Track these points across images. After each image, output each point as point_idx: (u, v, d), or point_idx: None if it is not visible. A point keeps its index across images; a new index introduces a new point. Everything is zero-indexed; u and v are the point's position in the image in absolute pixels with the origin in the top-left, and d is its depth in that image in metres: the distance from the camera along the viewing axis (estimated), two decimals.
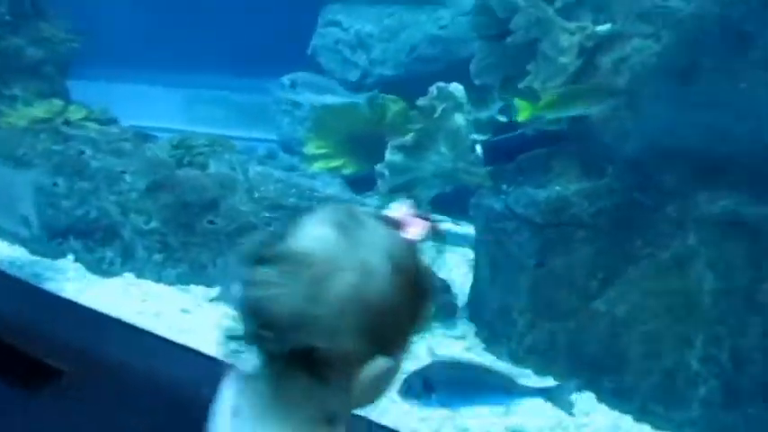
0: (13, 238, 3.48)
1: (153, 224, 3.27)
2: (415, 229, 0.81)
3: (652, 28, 2.58)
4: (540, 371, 2.74)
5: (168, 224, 3.28)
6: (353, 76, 4.67)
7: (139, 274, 3.33)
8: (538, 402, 2.18)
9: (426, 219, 0.84)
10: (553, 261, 2.74)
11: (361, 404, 0.85)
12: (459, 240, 3.79)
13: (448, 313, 3.15)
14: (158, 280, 3.30)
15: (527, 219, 2.78)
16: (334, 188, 3.82)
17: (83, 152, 3.32)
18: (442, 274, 3.39)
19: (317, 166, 4.32)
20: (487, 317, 2.99)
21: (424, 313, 0.82)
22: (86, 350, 1.66)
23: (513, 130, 3.37)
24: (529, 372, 2.73)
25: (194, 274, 3.29)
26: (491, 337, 2.95)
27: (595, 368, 2.63)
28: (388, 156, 3.02)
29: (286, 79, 3.43)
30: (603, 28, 2.73)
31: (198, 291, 3.28)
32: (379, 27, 4.62)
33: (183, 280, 3.30)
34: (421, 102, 3.07)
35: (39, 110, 3.60)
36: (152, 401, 0.88)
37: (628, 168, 2.64)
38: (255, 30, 4.84)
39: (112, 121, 3.71)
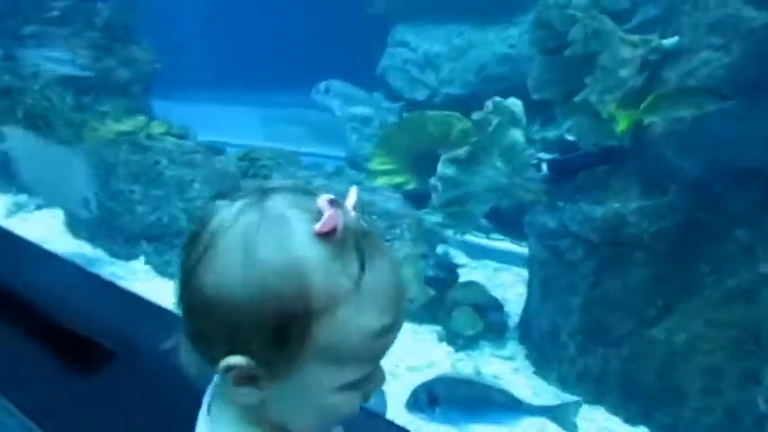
0: (87, 238, 3.76)
1: None
2: (332, 223, 0.69)
3: (722, 39, 2.42)
4: (592, 399, 2.59)
5: None
6: (421, 95, 4.71)
7: None
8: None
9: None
10: (608, 282, 2.60)
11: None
12: (517, 260, 3.68)
13: (498, 333, 3.07)
14: None
15: (582, 236, 2.67)
16: (393, 203, 3.83)
17: (158, 162, 3.56)
18: (496, 293, 3.31)
19: (381, 181, 4.36)
20: (538, 338, 2.88)
21: (300, 324, 0.67)
22: (136, 334, 1.73)
23: (579, 149, 3.27)
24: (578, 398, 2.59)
25: None
26: (541, 359, 2.83)
27: (650, 400, 2.46)
28: (441, 169, 3.00)
29: (321, 85, 3.51)
30: (670, 41, 2.60)
31: None
32: (447, 47, 4.65)
33: None
34: (476, 115, 3.04)
35: (125, 124, 3.90)
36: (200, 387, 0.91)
37: (691, 187, 2.47)
38: (327, 50, 5.01)
39: (189, 136, 3.95)
